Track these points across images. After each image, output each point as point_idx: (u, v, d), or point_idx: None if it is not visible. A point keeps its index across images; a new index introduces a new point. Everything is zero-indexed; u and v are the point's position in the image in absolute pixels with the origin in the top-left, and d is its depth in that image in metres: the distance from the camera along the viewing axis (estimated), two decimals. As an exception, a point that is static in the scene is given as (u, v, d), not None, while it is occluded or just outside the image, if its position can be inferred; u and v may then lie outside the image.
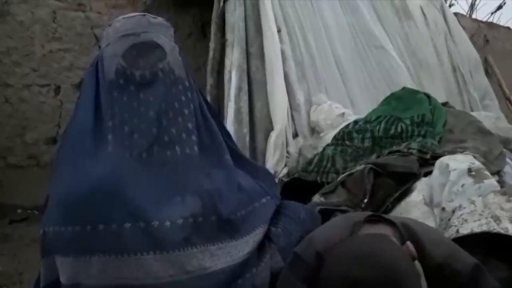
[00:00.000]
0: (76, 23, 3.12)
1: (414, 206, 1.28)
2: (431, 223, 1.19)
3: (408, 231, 0.84)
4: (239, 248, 0.96)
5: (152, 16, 1.01)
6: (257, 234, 1.02)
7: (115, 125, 0.90)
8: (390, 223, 0.86)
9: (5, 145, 3.01)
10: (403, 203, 1.32)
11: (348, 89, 2.52)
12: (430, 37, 3.49)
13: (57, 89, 3.12)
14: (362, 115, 2.26)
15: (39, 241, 0.90)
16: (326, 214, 1.33)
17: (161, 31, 1.01)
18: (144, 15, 1.00)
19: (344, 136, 1.85)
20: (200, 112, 0.99)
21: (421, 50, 3.28)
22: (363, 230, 0.85)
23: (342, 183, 1.47)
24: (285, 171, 1.93)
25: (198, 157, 0.94)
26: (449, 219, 1.06)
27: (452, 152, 1.50)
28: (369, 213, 0.93)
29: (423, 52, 3.30)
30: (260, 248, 1.04)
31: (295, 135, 2.17)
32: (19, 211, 2.87)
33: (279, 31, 2.23)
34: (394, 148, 1.63)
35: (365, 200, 1.38)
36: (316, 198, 1.41)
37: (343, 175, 1.51)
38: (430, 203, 1.27)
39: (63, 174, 0.87)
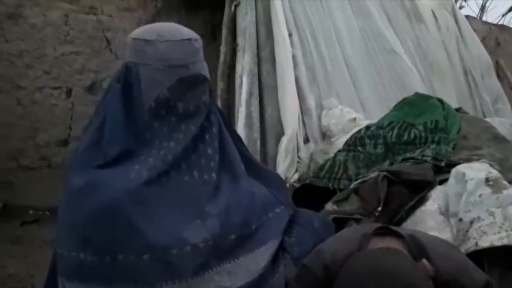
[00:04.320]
0: (88, 26, 3.13)
1: (429, 215, 1.26)
2: (447, 233, 1.17)
3: (416, 245, 0.82)
4: (255, 261, 0.95)
5: (194, 38, 0.94)
6: (272, 246, 1.01)
7: (153, 153, 0.86)
8: (399, 235, 0.84)
9: (17, 147, 3.04)
10: (418, 212, 1.30)
11: (359, 93, 2.50)
12: (441, 40, 3.46)
13: (69, 92, 3.14)
14: (373, 119, 2.25)
15: (52, 256, 0.89)
16: (340, 223, 1.32)
17: (202, 55, 0.96)
18: (189, 39, 0.92)
19: (356, 142, 1.83)
20: (218, 131, 0.96)
21: (433, 53, 3.25)
22: (372, 243, 0.84)
23: (355, 191, 1.45)
24: (296, 176, 1.92)
25: (215, 181, 0.91)
26: (467, 231, 1.05)
27: (468, 159, 1.48)
28: (377, 224, 0.91)
29: (434, 55, 3.27)
30: (274, 258, 1.03)
31: (306, 140, 2.16)
32: (30, 212, 2.89)
33: (290, 35, 2.22)
34: (408, 155, 1.62)
35: (379, 209, 1.37)
36: (329, 206, 1.40)
37: (356, 182, 1.50)
38: (445, 212, 1.25)
39: (79, 193, 0.83)
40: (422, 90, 2.73)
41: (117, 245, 0.81)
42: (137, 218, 0.81)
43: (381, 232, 0.85)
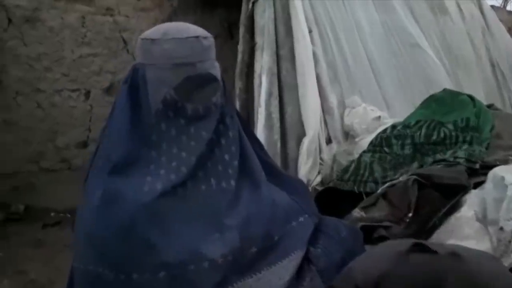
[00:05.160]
0: (105, 27, 3.14)
1: (465, 223, 1.18)
2: (486, 242, 1.09)
3: (460, 264, 0.74)
4: (278, 275, 0.89)
5: (203, 35, 0.88)
6: (296, 258, 0.95)
7: (162, 161, 0.81)
8: (438, 252, 0.77)
9: (38, 150, 3.07)
10: (452, 219, 1.22)
11: (382, 90, 2.41)
12: (466, 32, 3.32)
13: (87, 94, 3.15)
14: (398, 117, 2.16)
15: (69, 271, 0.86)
16: (368, 230, 1.25)
17: (213, 54, 0.90)
18: (197, 37, 0.86)
19: (382, 142, 1.75)
20: (237, 135, 0.90)
21: (458, 46, 3.12)
22: (408, 262, 0.76)
23: (384, 195, 1.38)
24: (318, 179, 1.85)
25: (234, 189, 0.85)
26: (510, 241, 0.97)
27: (504, 160, 1.39)
28: (412, 240, 0.83)
29: (460, 49, 3.14)
30: (299, 271, 0.97)
31: (328, 141, 2.09)
32: (52, 214, 2.92)
33: (310, 32, 2.14)
34: (438, 156, 1.53)
35: (410, 215, 1.29)
36: (356, 212, 1.32)
37: (384, 186, 1.42)
38: (483, 219, 1.17)
39: (95, 208, 0.80)
40: (448, 85, 2.62)
41: (132, 263, 0.77)
42: (153, 235, 0.77)
43: (418, 249, 0.78)
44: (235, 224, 0.83)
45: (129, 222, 0.77)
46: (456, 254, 0.75)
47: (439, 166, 1.44)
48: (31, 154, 3.06)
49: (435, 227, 1.26)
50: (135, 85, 0.86)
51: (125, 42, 3.19)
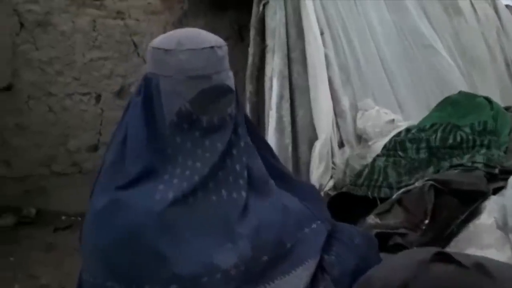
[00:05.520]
0: (115, 31, 3.15)
1: (485, 231, 1.14)
2: (506, 251, 1.05)
3: (488, 280, 0.70)
4: (292, 284, 0.87)
5: (217, 45, 0.85)
6: (309, 266, 0.92)
7: (177, 172, 0.80)
8: (462, 265, 0.73)
9: (49, 154, 3.08)
10: (471, 226, 1.18)
11: (396, 92, 2.37)
12: (481, 32, 3.26)
13: (98, 97, 3.16)
14: (412, 120, 2.12)
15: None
16: (383, 238, 1.21)
17: (227, 64, 0.88)
18: (212, 47, 0.84)
19: (396, 146, 1.71)
20: (246, 146, 0.88)
21: (473, 47, 3.06)
22: (431, 272, 0.73)
23: (399, 201, 1.34)
24: (331, 183, 1.82)
25: (244, 200, 0.83)
26: (533, 251, 0.93)
27: (524, 165, 1.34)
28: (434, 249, 0.80)
29: (474, 50, 3.08)
30: (313, 279, 0.94)
31: (341, 144, 2.05)
32: (63, 218, 2.93)
33: (322, 34, 2.11)
34: (455, 161, 1.49)
35: (426, 222, 1.25)
36: (371, 219, 1.29)
37: (399, 192, 1.38)
38: (503, 226, 1.12)
39: (102, 216, 0.78)
40: (463, 86, 2.56)
41: (143, 275, 0.75)
42: (163, 245, 0.75)
43: (440, 259, 0.74)
44: (246, 232, 0.81)
45: (137, 230, 0.75)
46: (482, 267, 0.71)
47: (456, 171, 1.40)
48: (43, 158, 3.07)
49: (453, 234, 1.22)
50: (148, 96, 0.84)
51: (135, 45, 3.20)
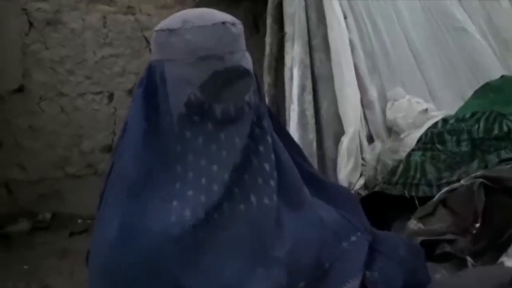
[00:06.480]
0: (126, 27, 3.05)
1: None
2: None
3: None
4: None
5: (231, 21, 0.72)
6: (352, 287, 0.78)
7: (189, 178, 0.67)
8: None
9: (63, 155, 3.02)
10: (534, 231, 1.02)
11: (427, 80, 2.19)
12: (514, 13, 3.05)
13: (110, 96, 3.08)
14: (446, 110, 1.95)
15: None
16: (429, 245, 1.06)
17: (243, 44, 0.74)
18: (223, 23, 0.71)
19: (433, 139, 1.55)
20: (275, 142, 0.74)
21: (507, 29, 2.85)
22: None
23: (443, 202, 1.18)
24: (361, 182, 1.66)
25: (276, 208, 0.70)
26: None
27: None
28: (508, 269, 0.65)
29: (508, 31, 2.87)
30: (355, 302, 0.81)
31: (369, 138, 1.89)
32: (79, 221, 2.86)
33: (345, 18, 1.95)
34: (504, 154, 1.32)
35: (477, 225, 1.10)
36: (413, 224, 1.14)
37: (443, 191, 1.22)
38: None
39: (114, 243, 0.66)
40: (498, 70, 2.37)
41: None
42: (186, 275, 0.63)
43: None
44: (281, 255, 0.68)
45: (155, 260, 0.63)
46: None
47: (508, 166, 1.23)
48: (57, 160, 3.01)
49: (510, 240, 1.05)
50: (151, 86, 0.71)
51: (147, 41, 3.09)
